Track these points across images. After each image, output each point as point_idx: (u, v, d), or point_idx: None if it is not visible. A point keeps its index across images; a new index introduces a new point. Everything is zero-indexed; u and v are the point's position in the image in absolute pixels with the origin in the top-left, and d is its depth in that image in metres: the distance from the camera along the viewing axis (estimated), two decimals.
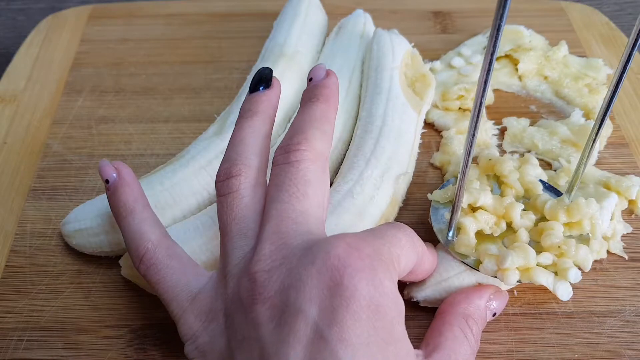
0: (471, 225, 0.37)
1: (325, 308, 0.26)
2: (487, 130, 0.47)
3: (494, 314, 0.35)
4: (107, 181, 0.34)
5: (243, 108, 0.34)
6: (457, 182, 0.35)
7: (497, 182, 0.41)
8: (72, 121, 0.50)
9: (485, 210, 0.38)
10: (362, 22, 0.51)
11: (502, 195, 0.39)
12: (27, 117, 0.50)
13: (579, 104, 0.50)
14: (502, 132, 0.48)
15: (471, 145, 0.32)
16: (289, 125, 0.44)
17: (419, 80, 0.45)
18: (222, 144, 0.41)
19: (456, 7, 0.61)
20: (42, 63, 0.55)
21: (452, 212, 0.36)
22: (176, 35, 0.58)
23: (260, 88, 0.34)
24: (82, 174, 0.45)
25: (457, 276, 0.36)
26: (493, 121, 0.48)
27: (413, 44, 0.48)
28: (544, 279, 0.35)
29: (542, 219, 0.38)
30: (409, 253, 0.30)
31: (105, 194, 0.38)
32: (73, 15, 0.60)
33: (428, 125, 0.49)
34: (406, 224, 0.30)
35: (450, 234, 0.38)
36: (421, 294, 0.36)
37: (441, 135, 0.48)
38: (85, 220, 0.39)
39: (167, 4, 0.62)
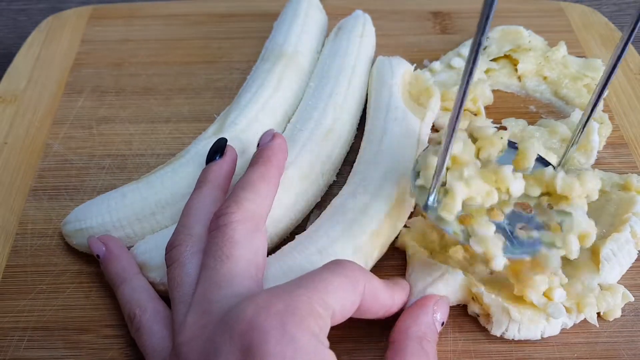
0: (460, 192, 0.33)
1: None
2: None
3: (442, 323, 0.35)
4: (97, 256, 0.37)
5: (198, 179, 0.37)
6: (443, 143, 0.31)
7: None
8: (72, 121, 0.50)
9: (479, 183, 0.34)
10: (362, 22, 0.51)
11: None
12: (27, 117, 0.50)
13: (578, 104, 0.50)
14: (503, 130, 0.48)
15: (460, 106, 0.29)
16: (288, 125, 0.44)
17: (423, 94, 0.46)
18: None
19: (456, 8, 0.61)
20: (43, 63, 0.55)
21: (435, 176, 0.33)
22: (176, 36, 0.58)
23: (217, 157, 0.37)
24: (82, 174, 0.45)
25: (441, 278, 0.36)
26: (491, 120, 0.49)
27: (415, 64, 0.49)
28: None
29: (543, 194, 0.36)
30: (344, 295, 0.29)
31: (106, 193, 0.40)
32: (74, 16, 0.60)
33: None
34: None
35: (432, 198, 0.34)
36: (409, 305, 0.36)
37: None
38: (86, 220, 0.39)
39: (168, 5, 0.62)
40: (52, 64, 0.55)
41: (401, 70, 0.47)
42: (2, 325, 0.37)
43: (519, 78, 0.53)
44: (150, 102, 0.51)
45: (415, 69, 0.49)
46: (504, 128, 0.48)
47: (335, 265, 0.31)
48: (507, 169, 0.35)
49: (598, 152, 0.46)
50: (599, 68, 0.52)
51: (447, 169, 0.35)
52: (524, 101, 0.52)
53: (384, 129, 0.42)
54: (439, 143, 0.35)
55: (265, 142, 0.37)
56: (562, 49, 0.53)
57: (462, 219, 0.34)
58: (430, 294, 0.35)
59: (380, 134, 0.42)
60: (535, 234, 0.34)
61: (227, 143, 0.38)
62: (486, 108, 0.50)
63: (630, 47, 0.56)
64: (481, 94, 0.49)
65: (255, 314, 0.27)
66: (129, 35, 0.58)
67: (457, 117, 0.30)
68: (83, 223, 0.39)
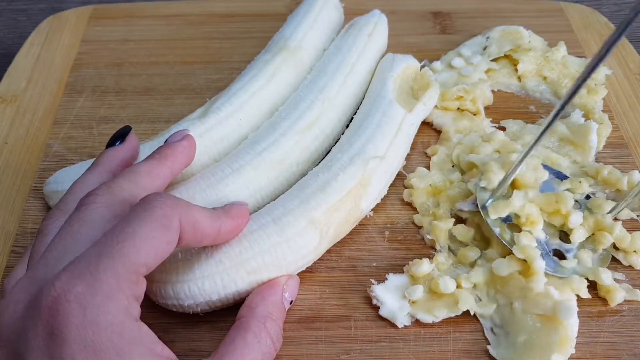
0: (517, 203, 0.39)
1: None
2: (484, 128, 0.48)
3: (291, 302, 0.36)
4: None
5: (94, 160, 0.36)
6: (516, 162, 0.38)
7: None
8: (72, 121, 0.50)
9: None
10: (374, 22, 0.51)
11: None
12: (28, 118, 0.50)
13: (577, 104, 0.50)
14: (501, 130, 0.48)
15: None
16: (275, 112, 0.44)
17: (423, 88, 0.47)
18: (202, 126, 0.41)
19: (456, 8, 0.61)
20: (43, 63, 0.55)
21: (500, 184, 0.40)
22: (177, 36, 0.58)
23: (117, 143, 0.36)
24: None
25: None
26: (490, 119, 0.49)
27: (423, 62, 0.48)
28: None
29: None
30: (157, 241, 0.28)
31: (86, 161, 0.41)
32: (74, 16, 0.60)
33: (428, 125, 0.49)
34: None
35: (490, 201, 0.40)
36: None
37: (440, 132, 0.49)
38: (64, 183, 0.39)
39: (168, 5, 0.62)
40: (52, 64, 0.55)
41: (402, 65, 0.47)
42: None
43: (519, 78, 0.53)
44: (150, 102, 0.52)
45: (422, 67, 0.49)
46: (503, 128, 0.48)
47: (143, 207, 0.29)
48: (569, 199, 0.39)
49: (598, 152, 0.46)
50: (599, 68, 0.52)
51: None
52: (524, 101, 0.52)
53: (367, 115, 0.43)
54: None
55: (172, 141, 0.36)
56: (562, 49, 0.53)
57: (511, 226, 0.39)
58: (280, 276, 0.36)
59: (361, 120, 0.43)
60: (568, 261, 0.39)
61: (132, 131, 0.37)
62: (486, 108, 0.50)
63: (630, 47, 0.56)
64: (481, 94, 0.49)
65: (54, 301, 0.26)
66: (129, 35, 0.58)
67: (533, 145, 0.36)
68: (61, 186, 0.39)
